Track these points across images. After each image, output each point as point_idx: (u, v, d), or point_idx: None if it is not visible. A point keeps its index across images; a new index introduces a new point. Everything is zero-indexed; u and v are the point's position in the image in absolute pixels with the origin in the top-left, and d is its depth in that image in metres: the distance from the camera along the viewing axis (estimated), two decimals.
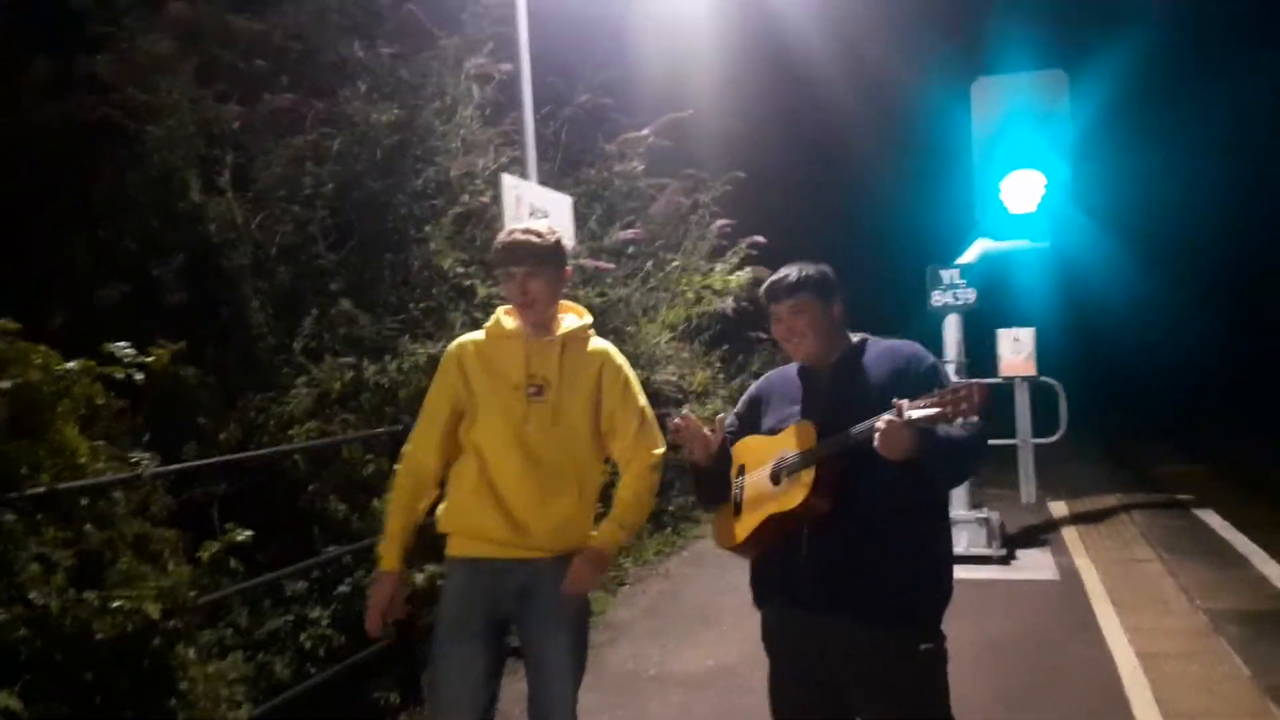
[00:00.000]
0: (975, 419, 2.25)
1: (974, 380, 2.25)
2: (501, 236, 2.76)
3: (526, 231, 2.70)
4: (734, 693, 4.82)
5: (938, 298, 7.62)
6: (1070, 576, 6.69)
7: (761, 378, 2.90)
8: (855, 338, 2.68)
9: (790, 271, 2.63)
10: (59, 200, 5.67)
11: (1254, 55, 28.50)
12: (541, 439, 2.68)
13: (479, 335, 2.79)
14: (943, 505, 2.65)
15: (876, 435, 2.27)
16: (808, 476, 2.42)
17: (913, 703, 2.49)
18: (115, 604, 3.11)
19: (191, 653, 3.44)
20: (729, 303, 9.72)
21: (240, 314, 5.60)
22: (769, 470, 2.54)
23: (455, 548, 2.76)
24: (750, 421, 2.78)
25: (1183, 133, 30.28)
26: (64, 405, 3.19)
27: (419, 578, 4.53)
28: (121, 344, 3.35)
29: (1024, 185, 7.51)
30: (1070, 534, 8.06)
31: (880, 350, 2.64)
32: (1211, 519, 8.46)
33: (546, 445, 2.69)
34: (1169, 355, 27.50)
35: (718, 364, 10.75)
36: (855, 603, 2.44)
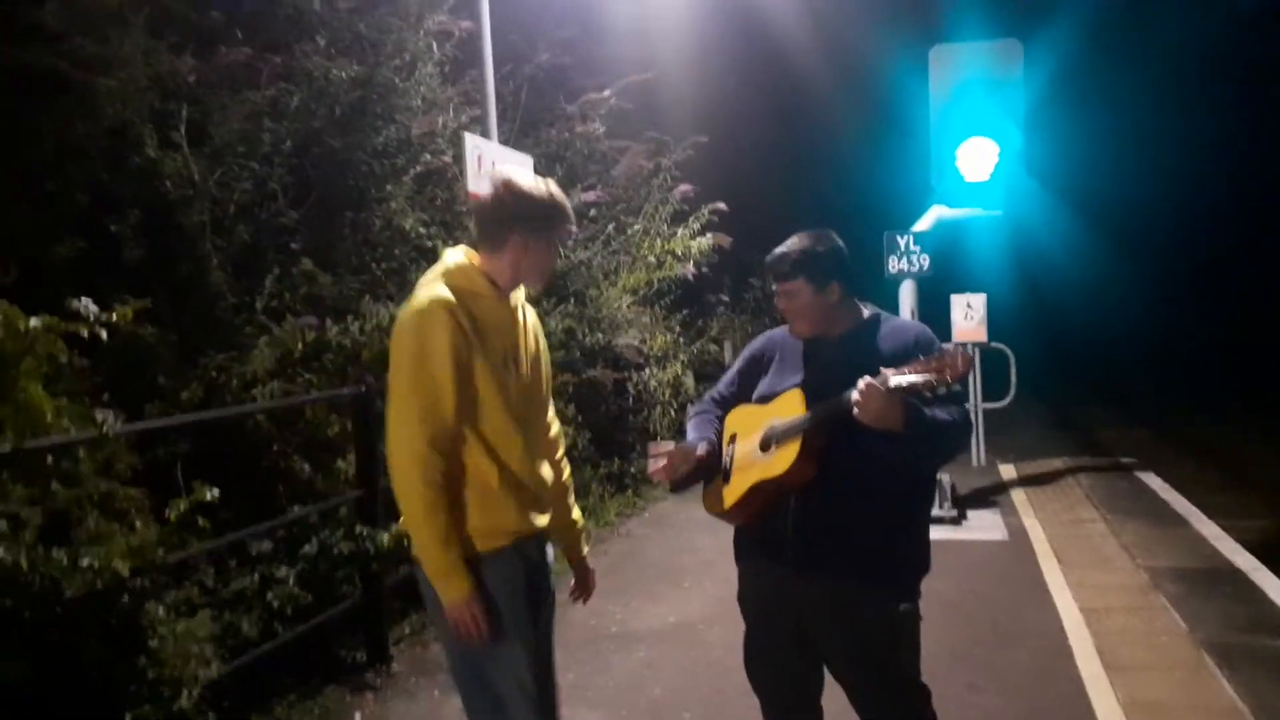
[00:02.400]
0: (956, 386, 2.25)
1: (957, 346, 2.27)
2: (555, 194, 2.44)
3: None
4: (695, 647, 4.93)
5: (893, 264, 7.72)
6: (1019, 536, 6.91)
7: (764, 335, 2.88)
8: (867, 312, 2.66)
9: (789, 250, 2.59)
10: (6, 153, 5.50)
11: (1205, 24, 29.01)
12: (526, 414, 2.50)
13: (448, 293, 2.34)
14: (927, 481, 2.69)
15: (855, 396, 2.28)
16: (795, 443, 2.45)
17: (884, 662, 2.56)
18: (84, 562, 3.10)
19: (160, 610, 3.44)
20: (690, 267, 9.76)
21: (199, 272, 5.51)
22: (759, 438, 2.58)
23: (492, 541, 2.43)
24: (751, 378, 2.78)
25: (1134, 102, 30.82)
26: (28, 363, 3.14)
27: (384, 538, 4.56)
28: (85, 300, 3.29)
29: (978, 153, 7.60)
30: (1019, 495, 8.30)
31: (889, 329, 2.61)
32: (1152, 480, 8.75)
33: (531, 421, 2.54)
34: (1117, 321, 28.17)
35: (678, 328, 10.81)
36: (835, 562, 2.50)
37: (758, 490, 2.56)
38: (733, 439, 2.74)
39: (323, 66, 6.39)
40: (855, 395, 2.28)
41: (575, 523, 2.81)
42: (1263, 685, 4.24)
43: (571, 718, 4.17)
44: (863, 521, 2.49)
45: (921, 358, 2.25)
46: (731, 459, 2.71)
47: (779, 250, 2.61)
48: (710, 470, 2.75)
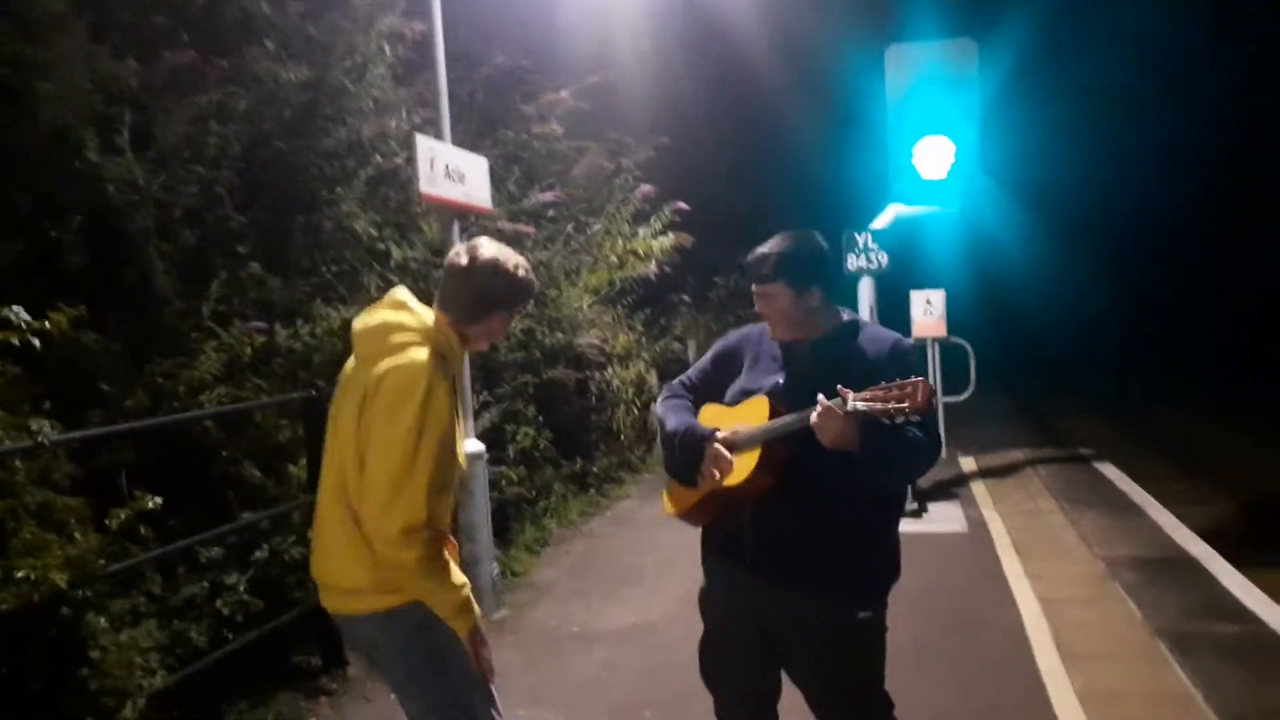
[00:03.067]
0: (916, 419, 2.18)
1: (919, 379, 2.18)
2: (530, 276, 2.49)
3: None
4: (656, 648, 4.91)
5: (852, 261, 7.76)
6: (978, 528, 6.96)
7: (739, 332, 2.81)
8: (845, 317, 2.60)
9: (769, 250, 2.52)
10: None
11: (1156, 19, 29.47)
12: None
13: (438, 358, 2.32)
14: (896, 493, 2.67)
15: (814, 417, 2.25)
16: (754, 454, 2.43)
17: (843, 670, 2.53)
18: (19, 573, 3.02)
19: (103, 621, 3.36)
20: (652, 266, 9.75)
21: (144, 277, 5.39)
22: (720, 433, 2.55)
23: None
24: (723, 373, 2.73)
25: (1086, 98, 31.27)
26: None
27: None
28: (16, 308, 3.21)
29: (935, 151, 7.66)
30: (979, 487, 8.37)
31: (866, 337, 2.56)
32: (1110, 470, 8.86)
33: None
34: (1075, 314, 28.54)
35: (640, 328, 10.80)
36: (794, 570, 2.47)
37: (713, 496, 2.54)
38: None
39: (271, 70, 6.29)
40: (814, 416, 2.25)
41: None
42: (1215, 671, 4.30)
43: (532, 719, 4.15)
44: (822, 531, 2.44)
45: (884, 384, 2.21)
46: None
47: (760, 250, 2.53)
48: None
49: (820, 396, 2.25)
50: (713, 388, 2.75)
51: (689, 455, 2.58)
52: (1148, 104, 31.78)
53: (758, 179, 16.17)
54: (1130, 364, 20.88)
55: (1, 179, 5.22)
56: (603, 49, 10.72)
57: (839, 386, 2.24)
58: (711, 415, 2.68)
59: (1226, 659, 4.45)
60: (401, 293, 2.48)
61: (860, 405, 2.20)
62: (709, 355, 2.85)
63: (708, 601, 2.77)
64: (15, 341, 3.18)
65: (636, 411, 10.14)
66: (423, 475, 2.21)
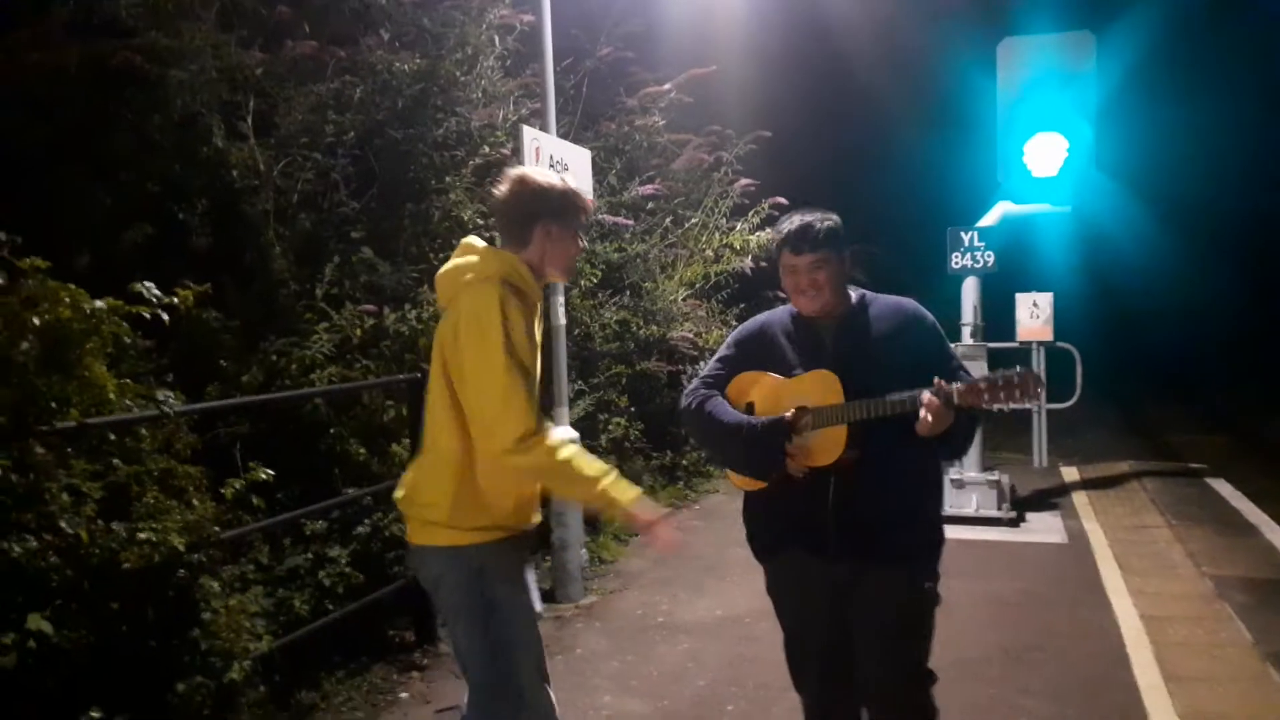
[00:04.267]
0: (1028, 405, 2.33)
1: (1026, 371, 2.30)
2: (570, 184, 2.54)
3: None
4: (741, 641, 4.91)
5: (957, 260, 7.59)
6: (1078, 540, 6.74)
7: (750, 322, 2.84)
8: (854, 293, 2.69)
9: (813, 221, 2.59)
10: (82, 143, 5.70)
11: None
12: None
13: (501, 287, 2.40)
14: (938, 464, 2.76)
15: (925, 415, 2.34)
16: (839, 433, 2.49)
17: (907, 641, 2.59)
18: (142, 535, 3.21)
19: (215, 585, 3.54)
20: (748, 261, 9.71)
21: (262, 259, 5.65)
22: (788, 417, 2.58)
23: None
24: (748, 359, 2.75)
25: (1209, 93, 29.68)
26: (92, 343, 3.25)
27: None
28: (147, 283, 3.40)
29: (1047, 148, 7.46)
30: (1080, 498, 8.10)
31: (882, 307, 2.66)
32: (1222, 487, 8.46)
33: None
34: (1190, 321, 27.16)
35: (734, 323, 10.77)
36: (877, 549, 2.54)
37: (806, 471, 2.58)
38: (749, 408, 2.71)
39: (386, 60, 6.49)
40: (926, 415, 2.34)
41: None
42: None
43: (615, 706, 4.21)
44: (897, 504, 2.55)
45: (990, 376, 2.34)
46: None
47: (799, 222, 2.60)
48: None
49: (926, 394, 2.35)
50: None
51: (760, 449, 2.59)
52: (1277, 101, 30.04)
53: (859, 174, 15.94)
54: (1252, 376, 19.80)
55: (134, 163, 5.52)
56: (705, 42, 10.71)
57: (937, 381, 2.35)
58: (763, 385, 2.68)
59: None
60: (471, 239, 2.59)
61: (969, 400, 2.33)
62: (727, 345, 2.85)
63: (782, 596, 2.79)
64: (146, 315, 3.37)
65: None
66: (522, 385, 2.31)
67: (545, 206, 2.50)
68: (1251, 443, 11.62)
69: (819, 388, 2.55)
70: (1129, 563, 6.14)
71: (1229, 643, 4.79)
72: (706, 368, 2.88)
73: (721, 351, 2.85)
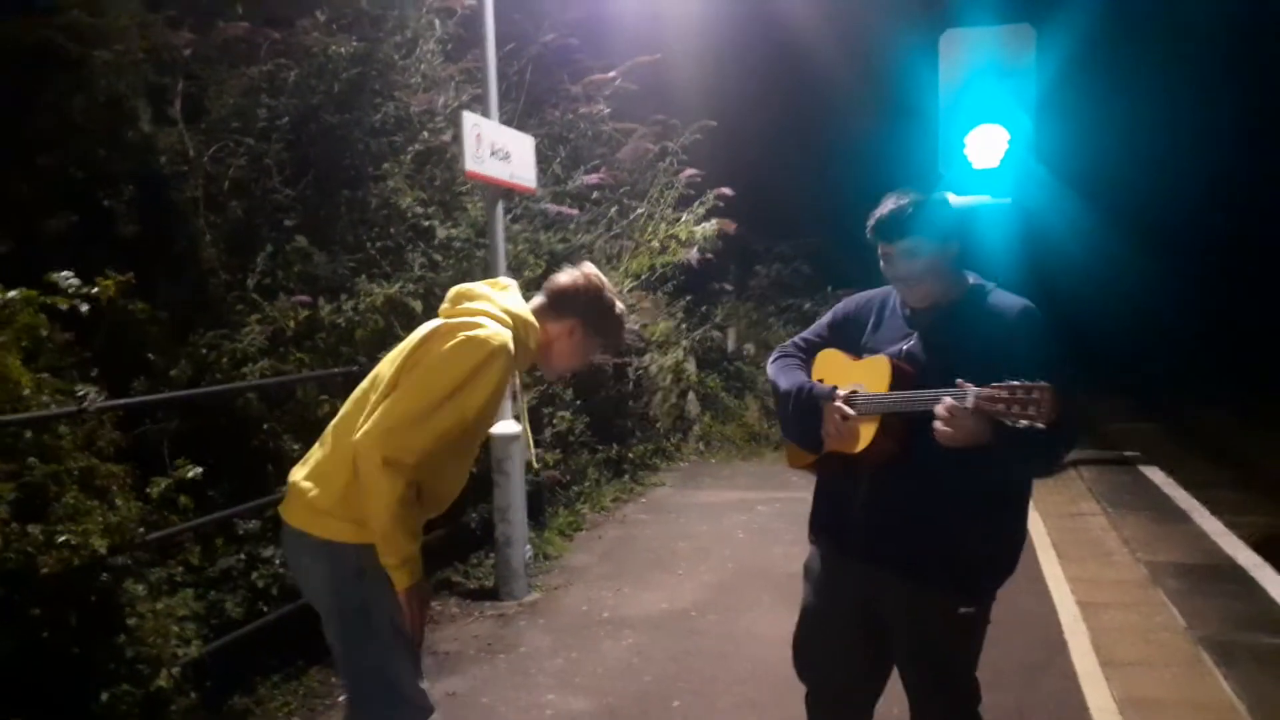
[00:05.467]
0: (1041, 426, 2.00)
1: (1043, 386, 2.00)
2: (623, 312, 2.61)
3: None
4: (687, 635, 4.88)
5: None
6: None
7: (862, 294, 2.65)
8: (971, 280, 2.42)
9: (902, 203, 2.34)
10: None
11: (1225, 4, 28.53)
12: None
13: (511, 344, 2.38)
14: (1019, 485, 2.43)
15: (939, 419, 2.14)
16: (870, 424, 2.35)
17: (938, 662, 2.46)
18: (60, 538, 3.06)
19: (141, 589, 3.40)
20: (694, 252, 9.66)
21: (192, 248, 5.46)
22: (840, 392, 2.46)
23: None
24: (840, 337, 2.61)
25: (1146, 86, 30.36)
26: (5, 335, 3.10)
27: None
28: (65, 274, 3.24)
29: (987, 140, 7.52)
30: None
31: (994, 302, 2.38)
32: (1156, 475, 8.67)
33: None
34: (1129, 311, 27.76)
35: (680, 314, 10.74)
36: (901, 556, 2.37)
37: (834, 457, 2.47)
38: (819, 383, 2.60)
39: (322, 42, 6.31)
40: (938, 423, 2.14)
41: None
42: (1261, 682, 4.18)
43: (559, 704, 4.15)
44: (933, 516, 2.32)
45: (1007, 385, 2.04)
46: None
47: (889, 207, 2.35)
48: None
49: (946, 400, 2.13)
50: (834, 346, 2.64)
51: (807, 416, 2.46)
52: (1214, 92, 30.83)
53: (805, 164, 15.99)
54: (1185, 366, 20.35)
55: (57, 148, 5.30)
56: (651, 30, 10.62)
57: (958, 380, 2.12)
58: (836, 363, 2.57)
59: (1272, 670, 4.33)
60: (511, 281, 2.60)
61: (983, 405, 2.07)
62: (826, 318, 2.70)
63: (811, 577, 2.65)
64: (63, 306, 3.21)
65: (674, 399, 10.10)
66: (435, 427, 2.27)
67: (590, 313, 2.55)
68: (1184, 431, 11.94)
69: (870, 374, 2.41)
70: (1066, 550, 6.24)
71: (1163, 627, 4.89)
72: (809, 329, 2.74)
73: (825, 318, 2.70)
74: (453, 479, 2.48)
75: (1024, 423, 2.01)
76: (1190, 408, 14.21)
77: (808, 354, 2.66)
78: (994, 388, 2.06)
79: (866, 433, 2.36)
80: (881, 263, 2.42)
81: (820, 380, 2.57)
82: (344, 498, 2.34)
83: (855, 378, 2.46)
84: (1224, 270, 30.28)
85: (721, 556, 6.18)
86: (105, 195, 5.41)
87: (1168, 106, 30.61)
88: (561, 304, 2.54)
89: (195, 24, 6.04)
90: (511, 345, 2.36)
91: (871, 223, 2.39)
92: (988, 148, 7.53)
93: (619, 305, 2.59)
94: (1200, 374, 19.09)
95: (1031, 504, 7.07)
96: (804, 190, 15.21)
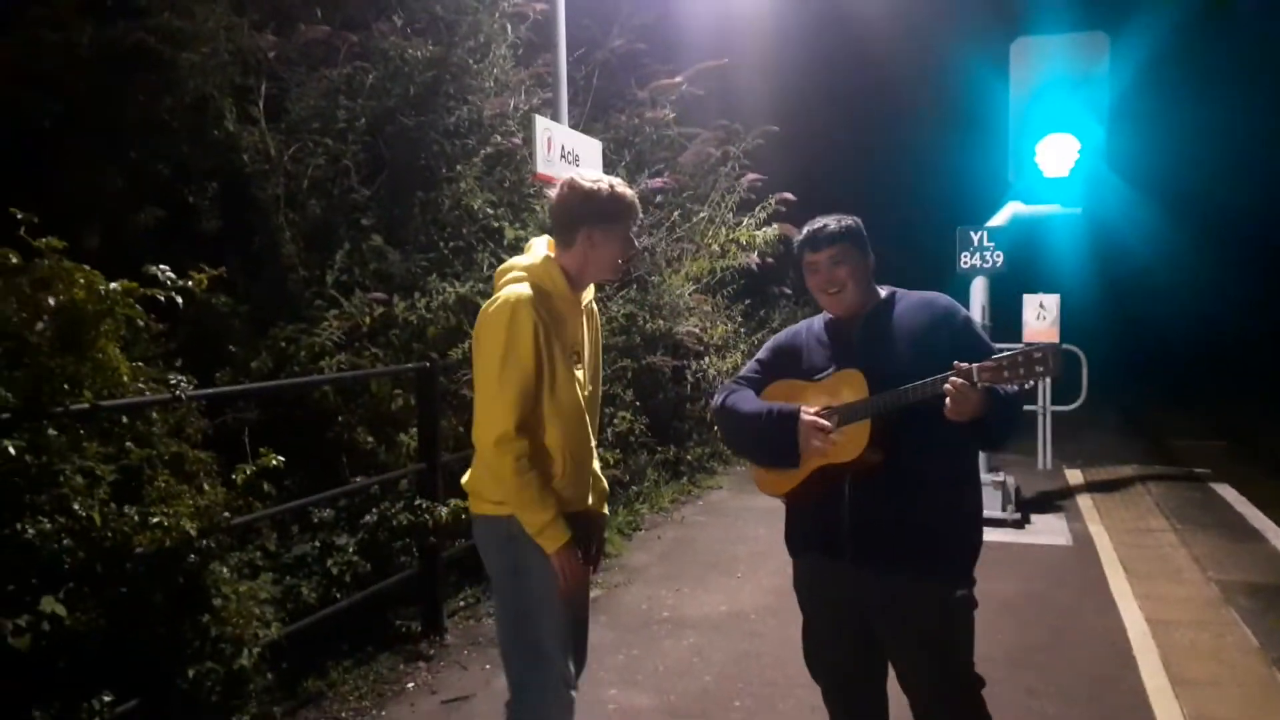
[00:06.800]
0: (1047, 380, 2.29)
1: (1048, 344, 2.28)
2: (618, 189, 2.59)
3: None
4: (746, 637, 4.90)
5: (966, 259, 7.56)
6: (1083, 542, 6.73)
7: (784, 330, 2.88)
8: (884, 291, 2.67)
9: (829, 221, 2.63)
10: (94, 123, 5.67)
11: None
12: (590, 404, 2.73)
13: (529, 290, 2.52)
14: (974, 462, 2.69)
15: (948, 399, 2.30)
16: (862, 430, 2.45)
17: (943, 648, 2.54)
18: (154, 519, 3.19)
19: (225, 571, 3.52)
20: (754, 257, 9.68)
21: (272, 244, 5.63)
22: (811, 410, 2.55)
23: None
24: (779, 368, 2.77)
25: (1222, 93, 29.52)
26: (106, 325, 3.22)
27: (443, 512, 4.62)
28: (162, 267, 3.38)
29: (1058, 149, 7.41)
30: (1085, 501, 8.09)
31: (911, 303, 2.64)
32: (1227, 493, 8.45)
33: (592, 411, 2.75)
34: (1202, 326, 26.97)
35: (739, 318, 10.75)
36: (892, 552, 2.49)
37: (819, 472, 2.54)
38: None
39: (398, 46, 6.46)
40: (949, 400, 2.30)
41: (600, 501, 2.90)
42: None
43: (622, 700, 4.20)
44: (918, 509, 2.48)
45: (1011, 353, 2.29)
46: None
47: (814, 225, 2.63)
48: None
49: (952, 379, 2.30)
50: (770, 382, 2.77)
51: (782, 435, 2.57)
52: None
53: (869, 172, 15.90)
54: (1259, 381, 19.73)
55: (145, 146, 5.50)
56: (719, 34, 10.67)
57: (956, 363, 2.31)
58: (790, 390, 2.68)
59: None
60: (536, 239, 2.73)
61: (986, 377, 2.28)
62: (764, 349, 2.87)
63: (802, 591, 2.79)
64: (160, 298, 3.35)
65: None
66: (508, 393, 2.47)
67: (589, 210, 2.57)
68: (1256, 449, 11.61)
69: (846, 386, 2.53)
70: (1134, 566, 6.13)
71: (1234, 647, 4.79)
72: (743, 369, 2.89)
73: (759, 354, 2.87)
74: (574, 437, 2.60)
75: (1032, 382, 2.28)
76: (1261, 424, 13.81)
77: (755, 389, 2.78)
78: (997, 359, 2.31)
79: (857, 441, 2.46)
80: (809, 276, 2.65)
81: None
82: (483, 479, 2.62)
83: (825, 393, 2.58)
84: None
85: (780, 561, 6.10)
86: (190, 192, 5.61)
87: (1245, 111, 29.68)
88: (563, 225, 2.61)
89: (278, 27, 6.24)
90: (530, 292, 2.50)
91: (801, 237, 2.66)
92: (1059, 157, 7.42)
93: (605, 185, 2.60)
94: (1273, 389, 18.51)
95: (1098, 517, 6.90)
96: (867, 196, 15.12)
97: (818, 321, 2.77)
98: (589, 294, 2.73)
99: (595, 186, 2.58)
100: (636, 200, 2.66)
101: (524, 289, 2.52)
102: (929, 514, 2.49)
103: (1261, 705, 4.13)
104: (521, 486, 2.48)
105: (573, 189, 2.58)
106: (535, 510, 2.50)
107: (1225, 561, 6.30)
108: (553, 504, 2.52)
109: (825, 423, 2.50)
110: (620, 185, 2.62)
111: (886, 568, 2.50)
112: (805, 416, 2.52)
